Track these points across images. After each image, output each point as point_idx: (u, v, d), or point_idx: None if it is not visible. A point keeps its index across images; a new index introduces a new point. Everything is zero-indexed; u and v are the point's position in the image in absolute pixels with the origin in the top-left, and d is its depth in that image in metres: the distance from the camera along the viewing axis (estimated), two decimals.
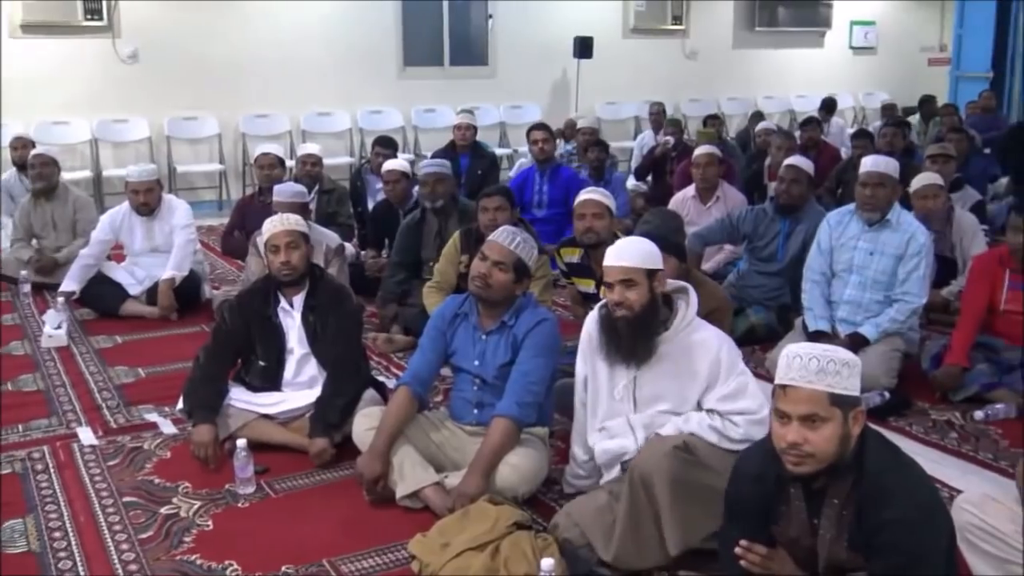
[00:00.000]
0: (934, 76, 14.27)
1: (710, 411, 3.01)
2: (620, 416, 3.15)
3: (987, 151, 9.65)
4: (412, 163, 7.73)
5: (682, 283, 3.21)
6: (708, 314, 3.65)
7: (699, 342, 3.03)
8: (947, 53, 14.51)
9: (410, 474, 3.32)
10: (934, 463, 2.44)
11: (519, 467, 3.27)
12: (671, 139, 8.43)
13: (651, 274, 3.05)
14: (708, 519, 2.82)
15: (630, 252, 3.06)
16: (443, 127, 10.15)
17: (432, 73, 10.94)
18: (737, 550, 2.43)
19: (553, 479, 3.49)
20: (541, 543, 2.87)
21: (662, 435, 2.99)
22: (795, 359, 2.28)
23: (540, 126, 7.51)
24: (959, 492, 2.93)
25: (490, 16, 11.14)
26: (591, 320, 3.24)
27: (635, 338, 3.03)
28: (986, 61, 13.79)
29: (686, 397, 3.05)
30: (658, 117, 9.84)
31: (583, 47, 11.20)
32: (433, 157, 7.75)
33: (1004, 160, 9.22)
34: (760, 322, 5.26)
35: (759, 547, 2.43)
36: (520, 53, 11.24)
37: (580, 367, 3.27)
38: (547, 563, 2.57)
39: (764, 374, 4.74)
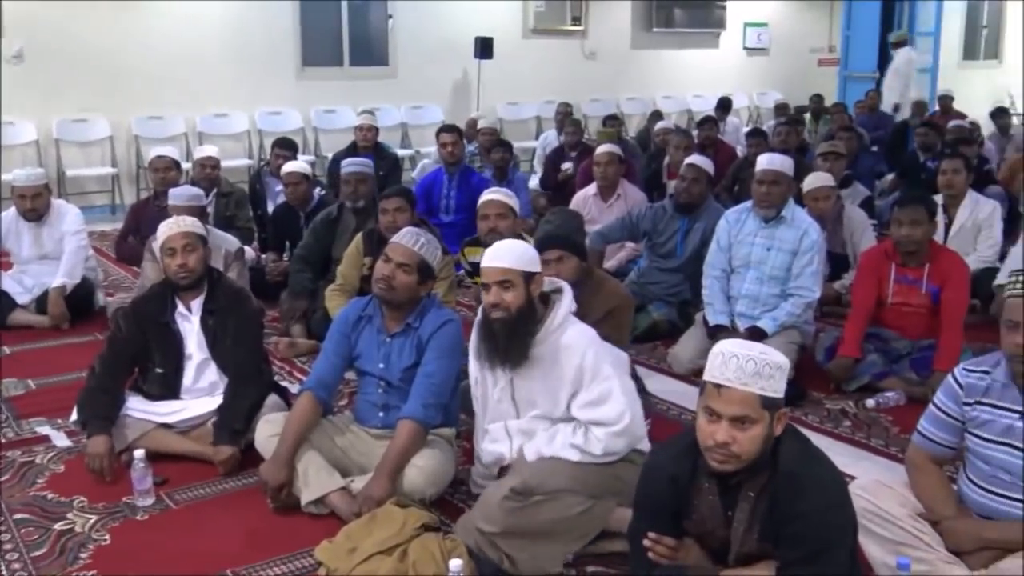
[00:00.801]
0: (824, 76, 14.73)
1: (575, 422, 3.03)
2: (501, 419, 3.19)
3: (875, 149, 10.02)
4: (313, 165, 7.64)
5: (558, 282, 3.22)
6: (609, 312, 3.72)
7: (566, 345, 3.04)
8: (836, 54, 14.99)
9: (315, 480, 3.28)
10: (829, 451, 2.50)
11: (426, 469, 3.26)
12: (570, 166, 8.38)
13: (528, 276, 3.05)
14: (558, 546, 2.91)
15: (508, 253, 3.05)
16: (344, 128, 10.05)
17: (332, 74, 10.82)
18: (645, 542, 2.45)
19: (460, 480, 3.49)
20: (449, 544, 2.87)
21: (501, 483, 3.03)
22: (732, 359, 2.27)
23: (449, 128, 7.44)
24: (853, 479, 3.02)
25: (390, 16, 11.07)
26: (477, 323, 3.23)
27: (510, 340, 3.03)
28: (872, 61, 14.31)
29: (557, 401, 3.08)
30: (563, 118, 9.89)
31: (483, 47, 11.22)
32: (334, 159, 7.70)
33: (890, 157, 9.59)
34: (662, 318, 5.35)
35: (667, 539, 2.46)
36: (421, 53, 11.20)
37: (472, 368, 3.28)
38: (455, 564, 2.58)
39: (666, 369, 4.85)
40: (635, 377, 3.69)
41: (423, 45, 11.20)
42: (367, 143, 7.73)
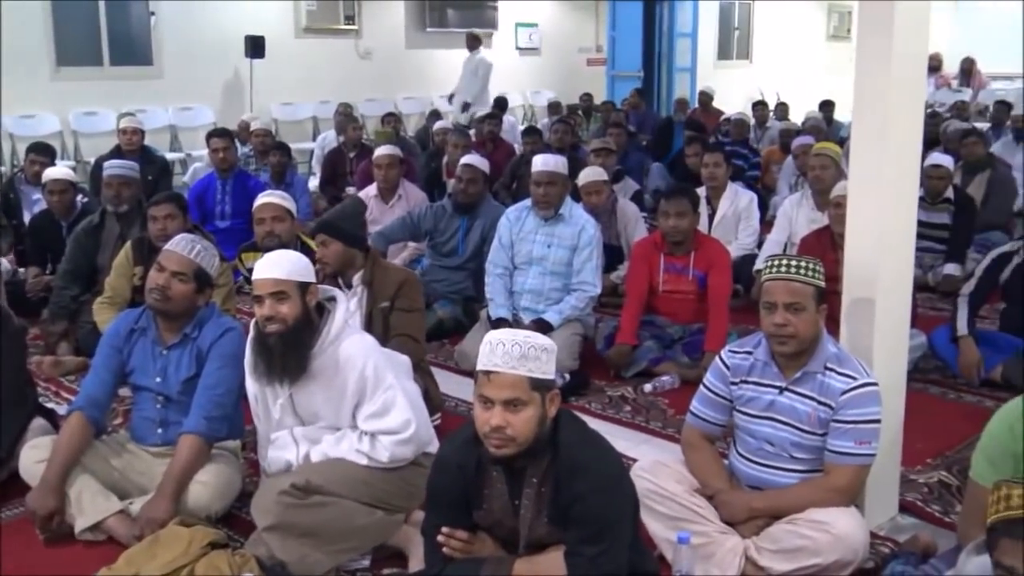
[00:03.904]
0: (594, 75, 15.28)
1: (362, 431, 3.02)
2: (286, 428, 3.13)
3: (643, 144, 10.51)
4: (74, 170, 7.21)
5: (331, 290, 3.19)
6: (400, 286, 3.84)
7: (346, 356, 3.01)
8: (602, 54, 15.60)
9: (89, 505, 3.10)
10: (612, 437, 2.61)
11: (211, 484, 3.15)
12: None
13: (303, 287, 3.00)
14: (329, 551, 2.86)
15: (280, 264, 2.99)
16: (107, 131, 9.53)
17: (90, 74, 10.21)
18: (439, 537, 2.47)
19: (249, 492, 3.36)
20: (239, 560, 2.79)
21: (279, 475, 3.01)
22: (498, 346, 2.34)
23: (220, 133, 7.17)
24: (635, 461, 3.15)
25: (152, 13, 10.58)
26: (250, 337, 3.13)
27: (286, 354, 2.96)
28: (637, 61, 14.99)
29: (340, 413, 3.05)
30: (343, 119, 9.75)
31: (255, 46, 10.93)
32: (97, 163, 7.29)
33: (656, 152, 10.09)
34: (447, 316, 5.39)
35: (460, 532, 2.49)
36: (188, 52, 10.76)
37: (249, 385, 3.18)
38: None
39: (454, 366, 4.89)
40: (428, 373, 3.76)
41: (190, 44, 10.77)
42: (132, 146, 7.37)
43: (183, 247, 3.33)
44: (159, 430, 3.34)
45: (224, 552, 2.82)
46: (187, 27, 10.75)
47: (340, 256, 3.79)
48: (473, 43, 12.13)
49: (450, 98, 12.14)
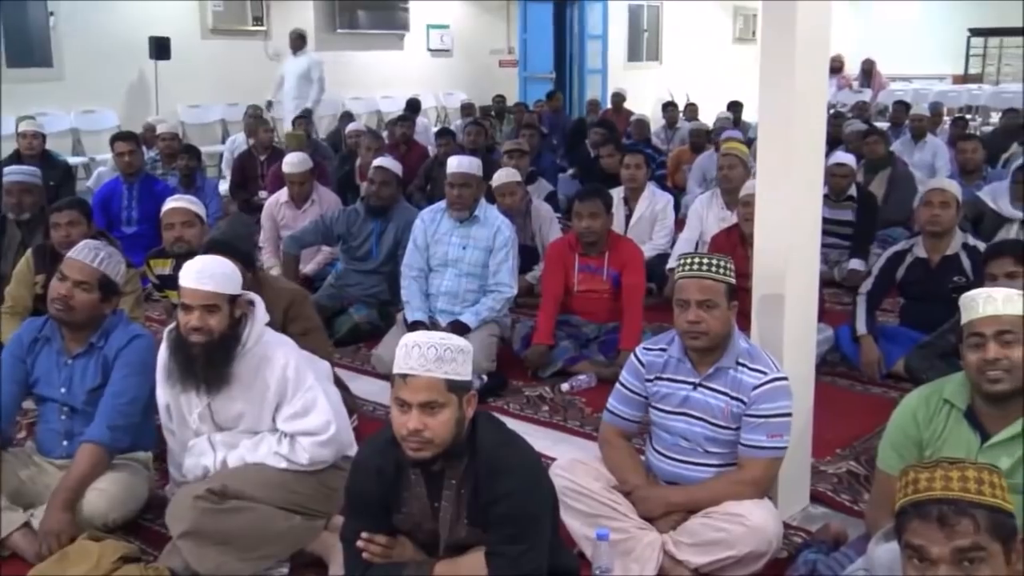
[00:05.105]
0: (506, 77, 15.33)
1: (282, 434, 3.00)
2: (203, 435, 3.08)
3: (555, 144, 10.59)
4: None
5: (249, 294, 3.13)
6: (288, 308, 3.71)
7: (266, 359, 2.98)
8: (514, 55, 15.66)
9: None
10: (530, 437, 2.62)
11: (108, 491, 3.07)
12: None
13: (233, 299, 2.97)
14: (247, 557, 2.82)
15: (215, 276, 2.93)
16: (5, 136, 9.20)
17: None
18: (359, 543, 2.46)
19: (160, 504, 3.29)
20: (152, 573, 2.74)
21: (198, 481, 2.96)
22: (414, 348, 2.33)
23: (124, 136, 6.97)
24: (554, 460, 3.17)
25: (51, 14, 10.25)
26: (164, 346, 3.07)
27: (209, 364, 2.92)
28: (548, 62, 15.10)
29: (261, 417, 3.02)
30: (254, 122, 9.55)
31: (159, 48, 10.67)
32: None
33: (569, 153, 10.17)
34: (363, 320, 5.35)
35: (379, 537, 2.47)
36: (90, 54, 10.45)
37: (161, 395, 3.12)
38: None
39: (370, 370, 4.85)
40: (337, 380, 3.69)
41: (92, 45, 10.46)
42: (32, 151, 7.13)
43: (86, 255, 3.25)
44: (64, 442, 3.25)
45: (137, 566, 2.77)
46: (88, 27, 10.44)
47: None
48: (297, 43, 11.34)
49: (268, 104, 11.24)
